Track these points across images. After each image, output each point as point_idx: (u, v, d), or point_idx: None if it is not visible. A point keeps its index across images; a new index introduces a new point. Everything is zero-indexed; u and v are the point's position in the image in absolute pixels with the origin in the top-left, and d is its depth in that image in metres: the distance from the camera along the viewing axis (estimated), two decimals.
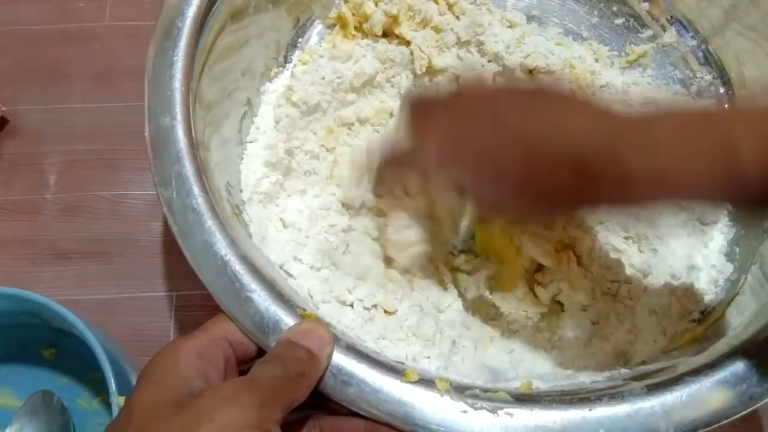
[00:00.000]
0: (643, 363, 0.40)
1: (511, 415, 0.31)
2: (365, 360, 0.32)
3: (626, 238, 0.45)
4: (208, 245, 0.34)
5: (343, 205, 0.45)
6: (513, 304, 0.43)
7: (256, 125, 0.46)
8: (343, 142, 0.47)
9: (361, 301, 0.41)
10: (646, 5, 0.54)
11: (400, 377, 0.32)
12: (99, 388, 0.43)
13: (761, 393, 0.31)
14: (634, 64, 0.53)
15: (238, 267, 0.34)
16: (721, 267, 0.44)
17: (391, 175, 0.41)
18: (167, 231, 0.50)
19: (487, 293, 0.43)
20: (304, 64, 0.50)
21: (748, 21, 0.49)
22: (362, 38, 0.51)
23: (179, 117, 0.37)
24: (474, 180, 0.34)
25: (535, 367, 0.41)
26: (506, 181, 0.33)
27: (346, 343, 0.33)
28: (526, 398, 0.33)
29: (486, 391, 0.33)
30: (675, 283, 0.43)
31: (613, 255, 0.44)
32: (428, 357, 0.40)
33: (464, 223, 0.42)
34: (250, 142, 0.45)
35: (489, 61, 0.50)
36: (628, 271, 0.44)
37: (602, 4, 0.55)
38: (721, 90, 0.51)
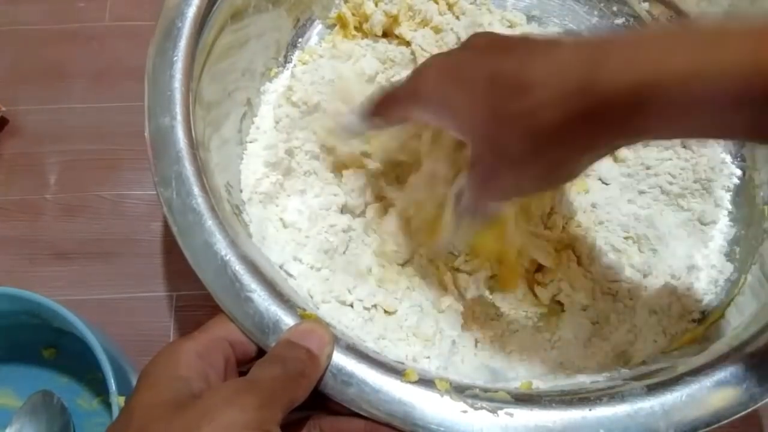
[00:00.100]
0: (643, 363, 0.40)
1: (511, 415, 0.31)
2: (365, 360, 0.32)
3: (626, 238, 0.45)
4: (208, 245, 0.34)
5: (344, 209, 0.45)
6: (513, 304, 0.43)
7: (256, 125, 0.46)
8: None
9: (361, 301, 0.41)
10: (646, 5, 0.54)
11: (400, 377, 0.32)
12: (99, 388, 0.43)
13: (761, 393, 0.31)
14: None
15: (238, 267, 0.34)
16: (721, 267, 0.44)
17: (386, 106, 0.38)
18: (167, 231, 0.50)
19: (487, 293, 0.43)
20: (304, 64, 0.50)
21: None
22: (362, 38, 0.52)
23: (179, 117, 0.37)
24: (474, 108, 0.32)
25: (535, 367, 0.41)
26: (505, 111, 0.30)
27: (346, 343, 0.33)
28: (526, 398, 0.33)
29: (486, 391, 0.33)
30: (675, 283, 0.43)
31: (613, 255, 0.44)
32: (428, 357, 0.40)
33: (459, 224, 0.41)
34: (250, 142, 0.45)
35: None
36: (628, 271, 0.44)
37: (602, 4, 0.55)
38: None
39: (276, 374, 0.29)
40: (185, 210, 0.35)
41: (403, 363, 0.34)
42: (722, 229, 0.46)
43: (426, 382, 0.32)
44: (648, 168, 0.47)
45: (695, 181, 0.46)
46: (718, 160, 0.47)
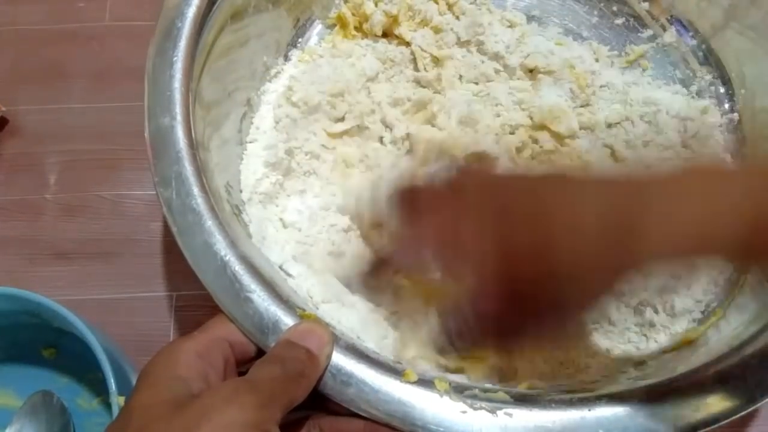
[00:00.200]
0: (643, 363, 0.40)
1: (511, 415, 0.31)
2: (364, 360, 0.32)
3: None
4: (208, 245, 0.34)
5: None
6: None
7: (256, 125, 0.46)
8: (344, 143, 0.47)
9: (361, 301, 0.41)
10: (646, 5, 0.54)
11: (400, 377, 0.32)
12: (99, 388, 0.43)
13: (761, 393, 0.31)
14: (634, 64, 0.53)
15: (237, 267, 0.34)
16: (721, 267, 0.44)
17: (387, 273, 0.39)
18: (167, 231, 0.50)
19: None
20: (304, 64, 0.50)
21: (748, 21, 0.49)
22: (362, 38, 0.52)
23: (179, 117, 0.37)
24: (479, 276, 0.31)
25: (535, 367, 0.41)
26: (517, 265, 0.30)
27: (345, 343, 0.33)
28: (525, 398, 0.33)
29: (485, 391, 0.33)
30: (675, 282, 0.43)
31: None
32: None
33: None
34: (250, 142, 0.45)
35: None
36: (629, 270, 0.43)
37: (602, 4, 0.55)
38: (722, 90, 0.51)
39: (275, 374, 0.29)
40: (185, 210, 0.35)
41: (402, 363, 0.34)
42: None
43: (425, 382, 0.32)
44: (648, 168, 0.47)
45: None
46: (718, 160, 0.47)
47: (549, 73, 0.49)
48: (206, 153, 0.39)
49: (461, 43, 0.51)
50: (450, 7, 0.52)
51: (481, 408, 0.31)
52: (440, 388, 0.32)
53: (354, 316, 0.40)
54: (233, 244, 0.34)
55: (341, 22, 0.52)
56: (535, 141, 0.48)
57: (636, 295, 0.43)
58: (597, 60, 0.52)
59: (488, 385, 0.34)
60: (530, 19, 0.54)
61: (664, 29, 0.54)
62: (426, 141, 0.46)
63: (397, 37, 0.51)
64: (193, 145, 0.37)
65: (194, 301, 0.49)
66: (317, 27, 0.53)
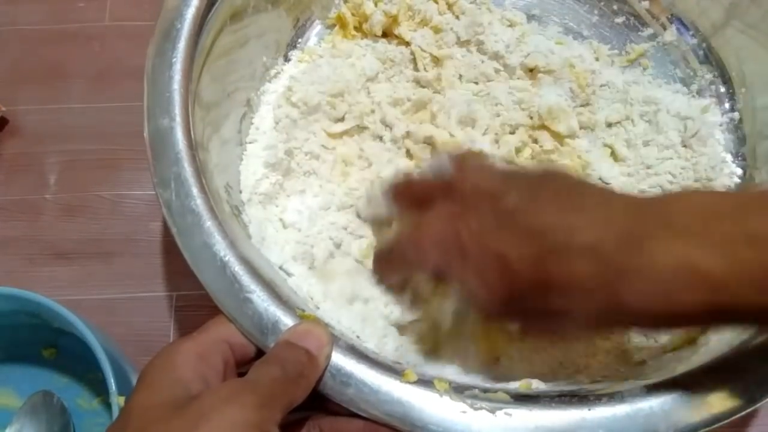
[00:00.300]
0: (643, 363, 0.40)
1: (510, 415, 0.31)
2: (364, 360, 0.32)
3: None
4: (207, 246, 0.34)
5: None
6: None
7: (255, 126, 0.46)
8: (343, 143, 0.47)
9: (364, 300, 0.41)
10: (646, 4, 0.54)
11: (399, 377, 0.32)
12: (99, 388, 0.43)
13: (761, 393, 0.31)
14: (634, 63, 0.53)
15: (237, 268, 0.34)
16: None
17: (389, 275, 0.38)
18: (167, 231, 0.50)
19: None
20: (304, 64, 0.50)
21: (748, 19, 0.49)
22: (362, 38, 0.52)
23: (178, 118, 0.37)
24: (479, 281, 0.31)
25: (534, 367, 0.41)
26: (516, 279, 0.29)
27: (345, 343, 0.33)
28: (525, 398, 0.33)
29: (485, 391, 0.33)
30: None
31: None
32: None
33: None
34: (250, 142, 0.45)
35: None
36: None
37: (602, 3, 0.55)
38: (722, 89, 0.51)
39: (275, 375, 0.29)
40: (184, 211, 0.35)
41: (401, 363, 0.34)
42: None
43: (425, 382, 0.32)
44: (648, 167, 0.47)
45: (696, 180, 0.46)
46: (718, 159, 0.47)
47: (549, 72, 0.49)
48: (206, 154, 0.39)
49: (461, 43, 0.51)
50: (450, 6, 0.52)
51: (481, 408, 0.31)
52: (440, 388, 0.32)
53: (354, 316, 0.40)
54: (233, 244, 0.34)
55: (341, 22, 0.52)
56: (535, 141, 0.48)
57: None
58: (597, 59, 0.52)
59: (488, 385, 0.34)
60: (530, 18, 0.54)
61: (665, 28, 0.54)
62: (425, 139, 0.46)
63: (396, 37, 0.51)
64: (193, 146, 0.37)
65: (194, 301, 0.49)
66: (317, 27, 0.53)
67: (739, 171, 0.47)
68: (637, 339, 0.41)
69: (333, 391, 0.31)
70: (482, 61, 0.50)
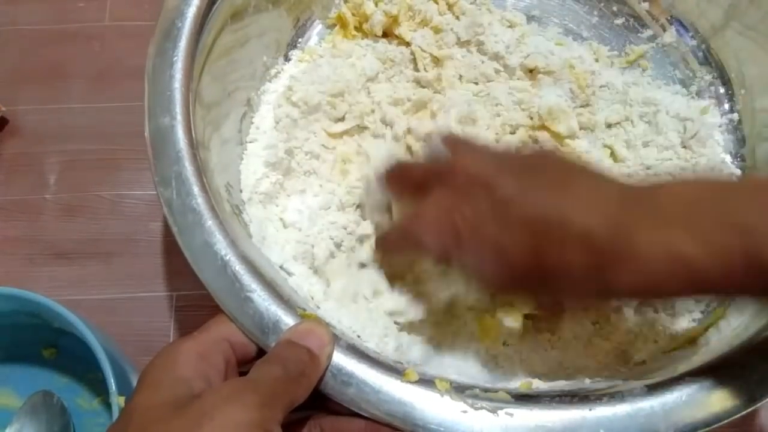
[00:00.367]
0: (643, 363, 0.40)
1: (511, 415, 0.31)
2: (365, 360, 0.32)
3: None
4: (208, 245, 0.34)
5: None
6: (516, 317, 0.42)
7: (256, 125, 0.46)
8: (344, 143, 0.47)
9: (365, 299, 0.41)
10: (645, 5, 0.54)
11: (400, 377, 0.32)
12: (99, 388, 0.43)
13: (761, 393, 0.31)
14: (633, 64, 0.53)
15: (237, 267, 0.34)
16: None
17: (389, 255, 0.39)
18: (167, 231, 0.50)
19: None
20: (304, 64, 0.50)
21: (747, 21, 0.49)
22: (362, 38, 0.52)
23: (179, 117, 0.37)
24: (478, 265, 0.32)
25: (535, 367, 0.41)
26: (513, 267, 0.31)
27: (346, 343, 0.33)
28: (526, 398, 0.33)
29: (486, 391, 0.33)
30: None
31: None
32: None
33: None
34: (250, 142, 0.45)
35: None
36: None
37: (602, 4, 0.55)
38: (721, 90, 0.51)
39: (276, 374, 0.29)
40: (185, 210, 0.35)
41: (402, 363, 0.34)
42: None
43: (426, 381, 0.32)
44: (648, 168, 0.47)
45: None
46: (718, 160, 0.47)
47: (549, 73, 0.49)
48: (206, 153, 0.39)
49: (461, 43, 0.51)
50: (450, 7, 0.52)
51: (481, 408, 0.31)
52: (441, 388, 0.32)
53: (355, 316, 0.40)
54: (233, 243, 0.34)
55: (341, 22, 0.52)
56: (535, 141, 0.48)
57: None
58: (597, 60, 0.52)
59: (488, 385, 0.34)
60: (530, 19, 0.54)
61: (664, 29, 0.54)
62: (426, 136, 0.46)
63: (397, 37, 0.51)
64: (193, 145, 0.37)
65: (194, 301, 0.49)
66: (317, 27, 0.53)
67: (739, 172, 0.47)
68: (636, 339, 0.41)
69: (334, 391, 0.31)
70: (482, 62, 0.50)
